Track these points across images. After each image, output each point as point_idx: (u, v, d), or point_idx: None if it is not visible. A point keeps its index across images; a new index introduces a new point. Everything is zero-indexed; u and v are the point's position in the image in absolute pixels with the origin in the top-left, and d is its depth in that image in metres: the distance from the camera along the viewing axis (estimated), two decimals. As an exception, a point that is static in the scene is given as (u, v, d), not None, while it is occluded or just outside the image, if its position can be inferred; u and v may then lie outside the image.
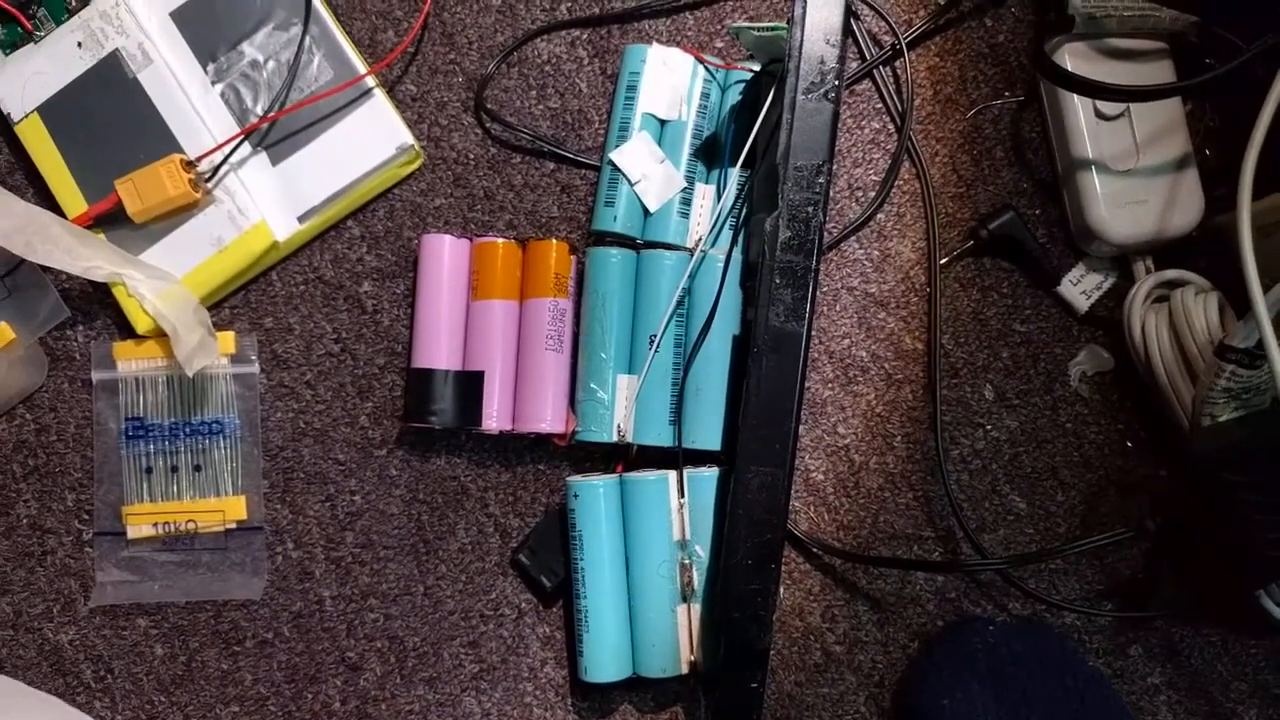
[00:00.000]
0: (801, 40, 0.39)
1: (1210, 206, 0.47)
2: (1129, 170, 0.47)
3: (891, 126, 0.50)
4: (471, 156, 0.51)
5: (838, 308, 0.50)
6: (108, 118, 0.49)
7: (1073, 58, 0.47)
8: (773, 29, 0.41)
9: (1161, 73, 0.47)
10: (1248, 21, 0.45)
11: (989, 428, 0.49)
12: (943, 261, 0.49)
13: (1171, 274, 0.46)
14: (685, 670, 0.45)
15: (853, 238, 0.50)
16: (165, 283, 0.48)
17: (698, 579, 0.45)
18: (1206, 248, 0.48)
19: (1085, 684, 0.45)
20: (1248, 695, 0.48)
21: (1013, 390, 0.49)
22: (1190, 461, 0.43)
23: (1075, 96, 0.47)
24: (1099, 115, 0.47)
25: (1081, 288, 0.49)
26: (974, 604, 0.48)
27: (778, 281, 0.39)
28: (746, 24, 0.41)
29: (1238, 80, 0.44)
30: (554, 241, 0.48)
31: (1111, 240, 0.47)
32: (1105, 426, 0.49)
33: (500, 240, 0.48)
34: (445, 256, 0.48)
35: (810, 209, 0.39)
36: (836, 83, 0.39)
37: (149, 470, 0.49)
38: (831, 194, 0.50)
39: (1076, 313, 0.49)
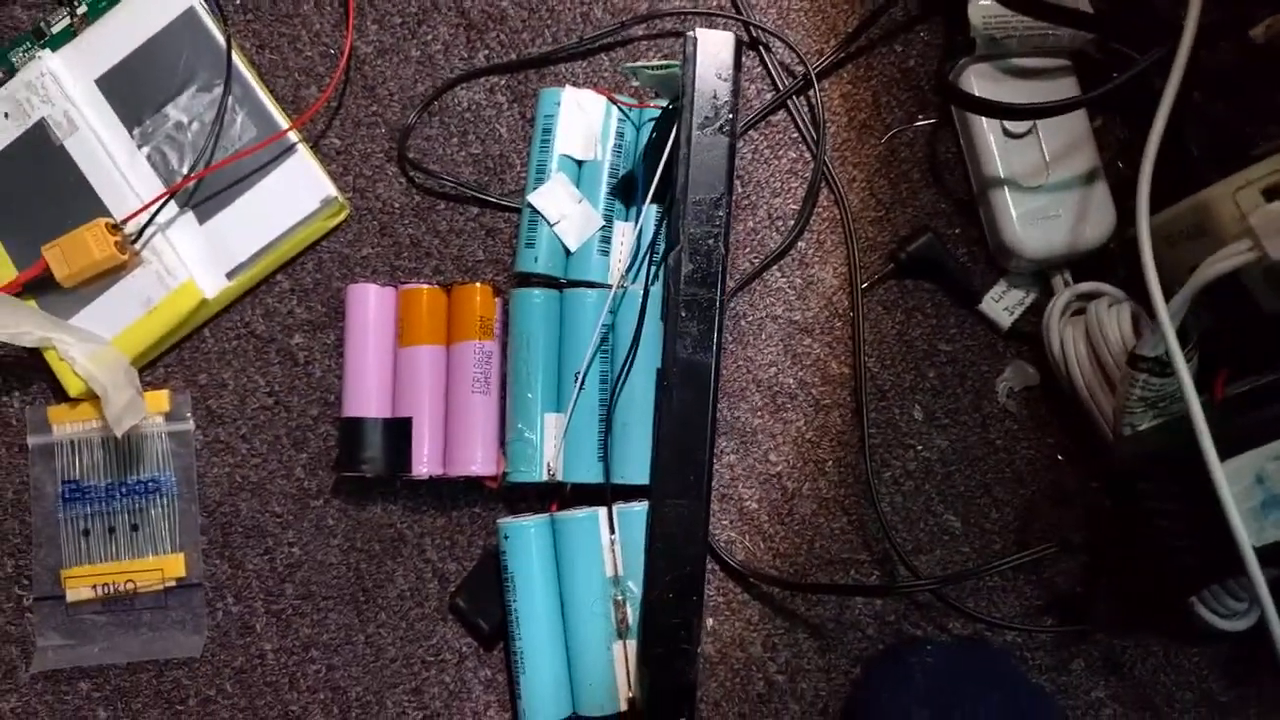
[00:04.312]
0: (694, 77, 0.40)
1: (1123, 218, 0.48)
2: (1039, 186, 0.47)
3: (808, 155, 0.51)
4: (396, 205, 0.51)
5: (763, 336, 0.50)
6: (35, 185, 0.50)
7: (978, 79, 0.47)
8: (665, 67, 0.41)
9: (1065, 90, 0.48)
10: (1144, 35, 0.45)
11: (920, 448, 0.49)
12: (864, 285, 0.50)
13: (1087, 286, 0.47)
14: (624, 707, 0.45)
15: (774, 266, 0.50)
16: (96, 345, 0.49)
17: (632, 615, 0.45)
18: (1124, 259, 0.48)
19: (1026, 700, 0.45)
20: (1193, 704, 0.48)
21: (941, 410, 0.49)
22: (1112, 472, 0.43)
23: (983, 117, 0.47)
24: (1007, 134, 0.47)
25: (1004, 304, 0.49)
26: (914, 626, 0.48)
27: (684, 314, 0.40)
28: (641, 64, 0.42)
29: (1143, 93, 0.45)
30: (478, 285, 0.48)
31: (1027, 256, 0.47)
32: (1035, 441, 0.49)
33: (425, 286, 0.48)
34: (370, 305, 0.49)
35: (711, 241, 0.39)
36: (731, 116, 0.39)
37: (86, 532, 0.49)
38: (752, 224, 0.50)
39: (1000, 329, 0.49)
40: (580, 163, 0.49)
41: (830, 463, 0.49)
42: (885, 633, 0.48)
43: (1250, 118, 0.47)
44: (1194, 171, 0.45)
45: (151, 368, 0.51)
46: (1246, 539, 0.37)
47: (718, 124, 0.40)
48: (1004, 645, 0.48)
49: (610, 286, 0.48)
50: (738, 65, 0.40)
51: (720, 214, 0.39)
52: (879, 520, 0.48)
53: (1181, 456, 0.39)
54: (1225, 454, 0.38)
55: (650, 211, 0.47)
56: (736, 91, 0.40)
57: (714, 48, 0.39)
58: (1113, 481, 0.43)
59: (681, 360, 0.39)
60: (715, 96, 0.39)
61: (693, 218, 0.39)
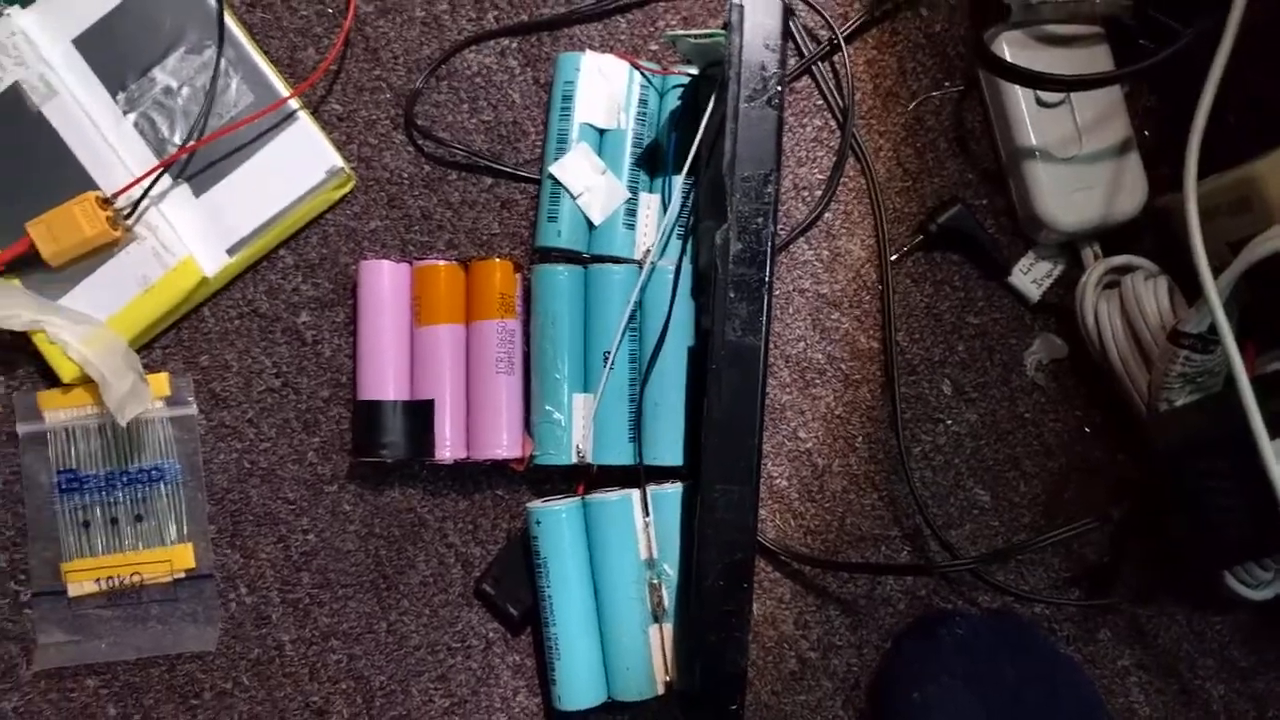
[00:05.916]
0: (741, 46, 0.38)
1: (1151, 187, 0.47)
2: (1072, 157, 0.46)
3: (834, 123, 0.49)
4: (405, 176, 0.49)
5: (790, 310, 0.49)
6: (12, 155, 0.46)
7: (1010, 46, 0.46)
8: (710, 35, 0.40)
9: (1099, 58, 0.47)
10: (1181, 2, 0.45)
11: (949, 422, 0.49)
12: (893, 258, 0.49)
13: (1120, 260, 0.46)
14: (661, 691, 0.44)
15: (801, 239, 0.49)
16: (89, 327, 0.46)
17: (668, 598, 0.44)
18: (1150, 229, 0.48)
19: (1054, 668, 0.46)
20: (1215, 671, 0.49)
21: (970, 383, 0.49)
22: (1149, 448, 0.43)
23: (1016, 86, 0.46)
24: (1040, 103, 0.46)
25: (1032, 276, 0.49)
26: (944, 600, 0.48)
27: (732, 295, 0.38)
28: (683, 32, 0.40)
29: (1175, 61, 0.44)
30: (497, 261, 0.46)
31: (1059, 228, 0.47)
32: (1063, 414, 0.49)
33: (442, 263, 0.46)
34: (385, 283, 0.46)
35: (760, 220, 0.38)
36: (779, 89, 0.38)
37: (87, 524, 0.47)
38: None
39: (1028, 302, 0.49)
40: (602, 132, 0.47)
41: (860, 439, 0.49)
42: (916, 607, 0.48)
43: (1280, 85, 0.46)
44: (1230, 141, 0.44)
45: (148, 349, 0.48)
46: (1295, 517, 0.37)
47: (765, 96, 0.38)
48: (1032, 616, 0.48)
49: (636, 262, 0.46)
50: (785, 34, 0.38)
51: (769, 191, 0.38)
52: (911, 496, 0.48)
53: (1225, 433, 0.39)
54: (1271, 433, 0.38)
55: (678, 184, 0.45)
56: (784, 62, 0.38)
57: (762, 15, 0.38)
58: (1151, 456, 0.43)
59: (730, 343, 0.38)
60: (764, 68, 0.38)
61: (741, 195, 0.38)
